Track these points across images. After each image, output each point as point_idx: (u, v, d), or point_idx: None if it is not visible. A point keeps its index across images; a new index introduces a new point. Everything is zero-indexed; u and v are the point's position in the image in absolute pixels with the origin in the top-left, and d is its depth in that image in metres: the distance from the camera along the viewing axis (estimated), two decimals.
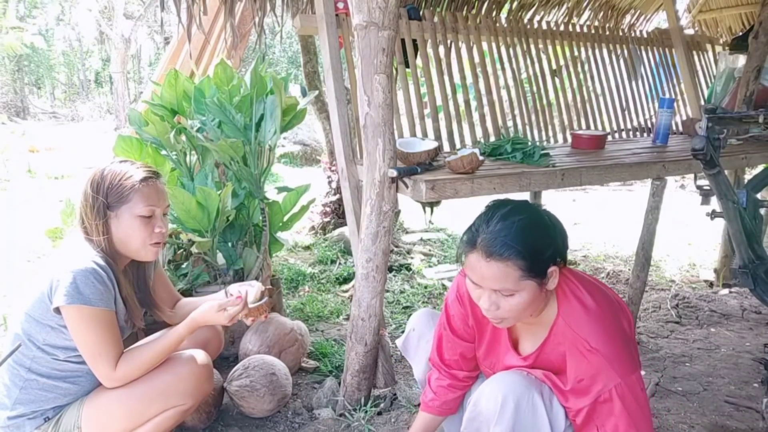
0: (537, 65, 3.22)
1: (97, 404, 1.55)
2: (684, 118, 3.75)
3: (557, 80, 3.28)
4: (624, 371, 1.25)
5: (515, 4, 3.33)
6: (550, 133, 3.17)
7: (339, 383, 2.20)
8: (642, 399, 1.27)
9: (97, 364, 1.51)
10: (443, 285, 3.60)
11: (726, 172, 1.98)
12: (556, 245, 1.29)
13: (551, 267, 1.26)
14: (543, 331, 1.38)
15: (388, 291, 3.40)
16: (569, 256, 4.30)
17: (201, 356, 1.68)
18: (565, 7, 3.53)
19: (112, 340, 1.51)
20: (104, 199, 1.55)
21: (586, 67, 3.44)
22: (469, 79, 2.99)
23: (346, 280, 3.65)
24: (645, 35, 3.77)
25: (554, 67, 3.35)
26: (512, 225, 1.24)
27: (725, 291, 3.47)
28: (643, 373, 2.42)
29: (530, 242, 1.23)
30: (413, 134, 2.61)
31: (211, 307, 1.64)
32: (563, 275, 1.36)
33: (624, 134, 3.47)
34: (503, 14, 3.31)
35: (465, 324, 1.54)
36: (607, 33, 3.57)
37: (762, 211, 2.34)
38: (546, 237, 1.27)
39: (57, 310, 1.48)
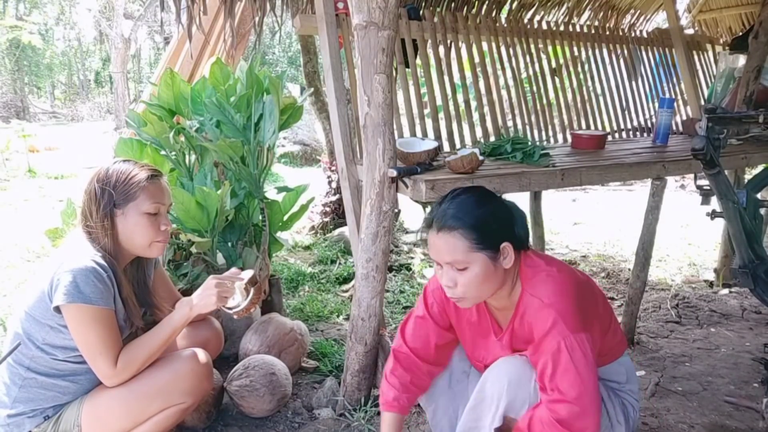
0: (537, 65, 3.22)
1: (97, 402, 1.55)
2: (684, 118, 3.75)
3: (557, 80, 3.28)
4: (574, 327, 1.30)
5: (515, 4, 3.33)
6: (550, 133, 3.17)
7: (339, 383, 2.20)
8: (590, 357, 1.29)
9: (97, 363, 1.51)
10: None
11: (726, 172, 1.98)
12: (506, 222, 1.38)
13: (503, 243, 1.35)
14: (513, 310, 1.45)
15: (388, 291, 3.40)
16: (568, 256, 4.30)
17: (201, 355, 1.69)
18: (565, 7, 3.53)
19: (112, 339, 1.51)
20: (111, 197, 1.56)
21: (586, 67, 3.44)
22: (469, 79, 2.99)
23: (346, 280, 3.64)
24: (645, 35, 3.77)
25: (554, 66, 3.35)
26: (460, 201, 1.37)
27: (725, 291, 3.47)
28: (642, 373, 2.43)
29: (476, 215, 1.34)
30: (413, 134, 2.61)
31: (204, 287, 1.65)
32: (528, 258, 1.44)
33: (624, 134, 3.47)
34: (503, 14, 3.31)
35: (443, 311, 1.60)
36: (607, 33, 3.57)
37: (762, 211, 2.34)
38: (493, 212, 1.37)
39: (57, 309, 1.48)
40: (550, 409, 1.29)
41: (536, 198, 3.38)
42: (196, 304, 1.64)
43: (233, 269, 1.82)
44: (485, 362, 1.58)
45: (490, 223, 1.35)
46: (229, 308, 1.75)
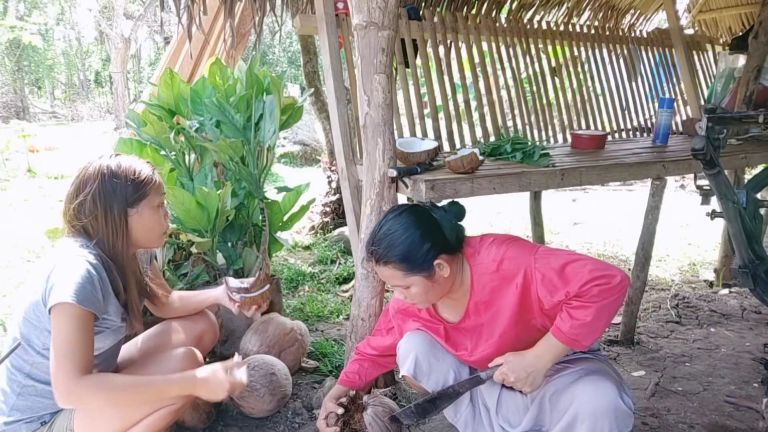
0: (537, 65, 3.22)
1: (86, 413, 1.50)
2: (684, 118, 3.75)
3: (557, 80, 3.28)
4: (528, 254, 1.48)
5: (515, 4, 3.33)
6: (550, 133, 3.17)
7: None
8: (560, 252, 1.47)
9: (58, 367, 1.35)
10: None
11: (726, 172, 1.98)
12: (434, 240, 1.50)
13: (436, 261, 1.49)
14: (467, 293, 1.59)
15: (388, 291, 3.40)
16: None
17: (191, 354, 1.68)
18: (565, 7, 3.53)
19: (83, 346, 1.39)
20: (124, 197, 1.54)
21: (586, 67, 3.44)
22: (469, 79, 2.99)
23: (346, 280, 3.65)
24: (645, 35, 3.77)
25: (554, 65, 3.35)
26: (390, 234, 1.51)
27: (725, 291, 3.47)
28: (642, 373, 2.43)
29: (402, 247, 1.49)
30: (413, 134, 2.61)
31: (213, 372, 1.57)
32: (468, 243, 1.59)
33: (624, 134, 3.47)
34: (503, 14, 3.31)
35: (403, 331, 1.77)
36: (607, 33, 3.57)
37: (762, 211, 2.34)
38: (420, 236, 1.49)
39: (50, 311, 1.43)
40: (581, 294, 1.39)
41: (536, 198, 3.38)
42: (203, 393, 1.56)
43: (233, 281, 1.83)
44: (473, 353, 1.63)
45: (417, 250, 1.48)
46: (237, 290, 1.78)
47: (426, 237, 1.50)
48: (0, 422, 1.51)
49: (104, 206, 1.52)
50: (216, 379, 1.57)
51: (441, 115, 2.74)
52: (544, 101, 3.16)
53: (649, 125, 3.58)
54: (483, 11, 3.21)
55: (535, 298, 1.47)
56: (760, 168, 2.74)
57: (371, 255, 1.55)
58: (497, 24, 3.12)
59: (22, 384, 1.50)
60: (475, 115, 3.00)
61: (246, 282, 1.86)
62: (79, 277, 1.42)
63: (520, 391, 1.64)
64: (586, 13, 3.69)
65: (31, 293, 1.48)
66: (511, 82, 3.09)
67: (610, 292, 1.38)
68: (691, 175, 2.79)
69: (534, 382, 1.46)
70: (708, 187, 2.09)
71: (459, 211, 1.62)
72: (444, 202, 1.70)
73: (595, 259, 1.45)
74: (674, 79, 3.82)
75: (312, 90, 4.51)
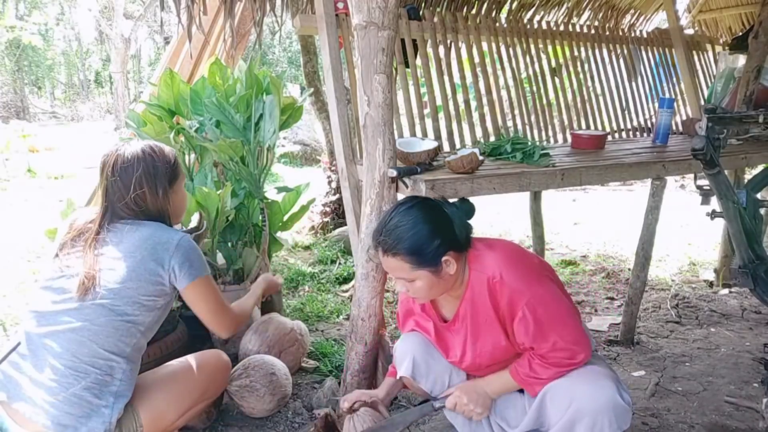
0: (537, 65, 3.22)
1: (152, 403, 1.57)
2: (684, 118, 3.75)
3: (557, 80, 3.28)
4: (529, 285, 1.46)
5: (515, 4, 3.33)
6: (550, 133, 3.17)
7: (339, 383, 2.19)
8: (552, 307, 1.46)
9: (223, 317, 1.69)
10: None
11: (726, 172, 1.98)
12: (444, 235, 1.49)
13: (444, 257, 1.47)
14: (462, 294, 1.59)
15: (388, 291, 3.40)
16: (568, 256, 4.30)
17: (222, 353, 1.86)
18: (565, 7, 3.53)
19: (221, 296, 1.71)
20: (166, 178, 1.62)
21: (586, 67, 3.44)
22: (469, 79, 2.99)
23: (346, 280, 3.64)
24: (645, 35, 3.77)
25: (554, 65, 3.35)
26: (400, 226, 1.49)
27: (725, 291, 3.47)
28: (642, 373, 2.43)
29: (413, 241, 1.46)
30: (413, 134, 2.61)
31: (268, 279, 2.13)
32: (472, 245, 1.57)
33: (624, 134, 3.47)
34: (503, 14, 3.31)
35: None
36: (607, 33, 3.57)
37: (762, 211, 2.34)
38: (431, 230, 1.47)
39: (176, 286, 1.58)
40: (547, 357, 1.47)
41: (536, 198, 3.38)
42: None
43: None
44: (463, 359, 1.63)
45: (427, 244, 1.46)
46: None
47: (437, 232, 1.48)
48: (108, 415, 1.47)
49: (153, 189, 1.60)
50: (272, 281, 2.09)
51: (441, 115, 2.74)
52: (544, 101, 3.16)
53: (649, 125, 3.58)
54: (483, 11, 3.21)
55: (510, 327, 1.51)
56: (760, 168, 2.74)
57: (378, 244, 1.52)
58: (497, 24, 3.12)
59: (123, 369, 1.51)
60: (475, 115, 3.00)
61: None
62: (199, 251, 1.61)
63: (520, 391, 1.64)
64: (586, 13, 3.69)
65: (139, 275, 1.50)
66: (511, 82, 3.09)
67: (569, 363, 1.47)
68: (691, 175, 2.79)
69: (483, 412, 1.57)
70: (708, 187, 2.09)
71: (469, 209, 1.61)
72: (453, 200, 1.70)
73: (578, 327, 1.49)
74: (674, 79, 3.82)
75: (312, 90, 4.51)
